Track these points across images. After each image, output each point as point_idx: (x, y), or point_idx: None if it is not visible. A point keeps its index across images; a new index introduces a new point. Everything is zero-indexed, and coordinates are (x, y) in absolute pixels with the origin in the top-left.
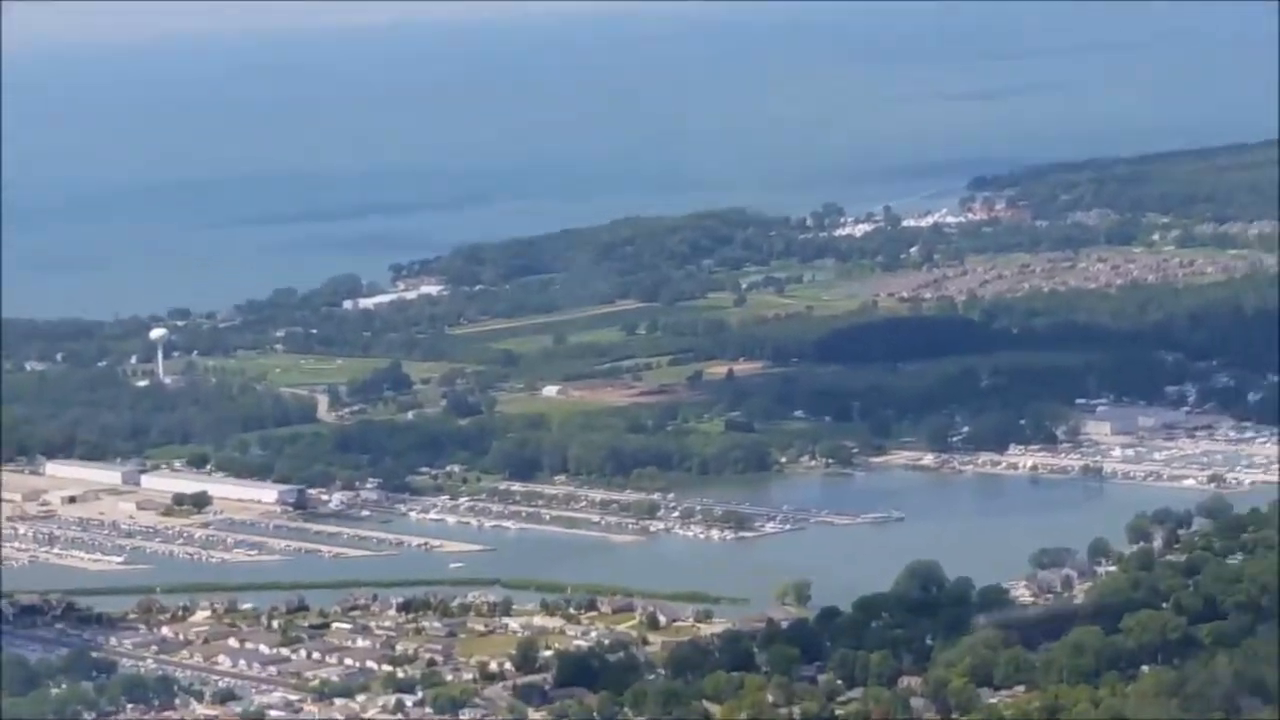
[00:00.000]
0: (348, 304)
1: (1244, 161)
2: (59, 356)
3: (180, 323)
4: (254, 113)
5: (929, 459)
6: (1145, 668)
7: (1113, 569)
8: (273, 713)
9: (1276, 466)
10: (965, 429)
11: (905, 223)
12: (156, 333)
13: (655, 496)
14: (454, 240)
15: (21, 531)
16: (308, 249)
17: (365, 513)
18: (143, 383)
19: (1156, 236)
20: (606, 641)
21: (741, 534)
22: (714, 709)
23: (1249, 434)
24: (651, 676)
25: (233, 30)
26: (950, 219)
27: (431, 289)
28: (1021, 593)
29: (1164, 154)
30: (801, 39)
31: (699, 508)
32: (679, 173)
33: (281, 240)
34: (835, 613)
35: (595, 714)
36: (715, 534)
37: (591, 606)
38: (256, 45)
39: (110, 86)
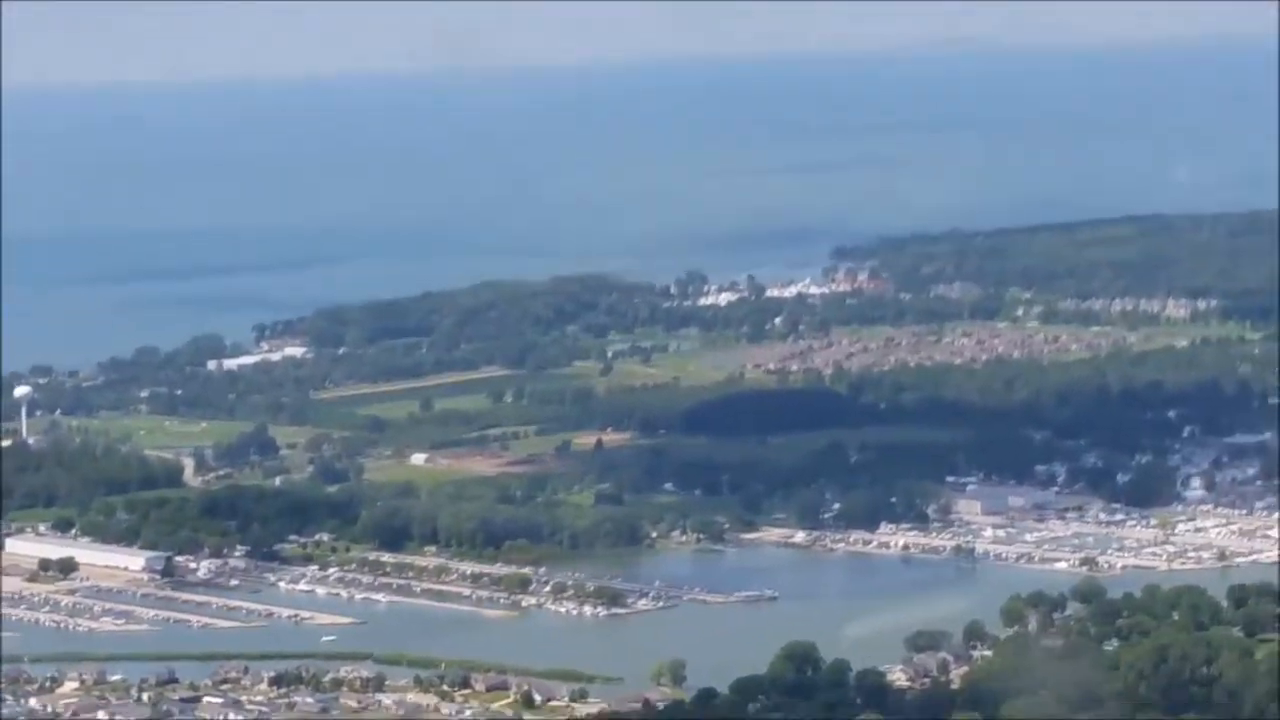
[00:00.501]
0: (211, 364)
1: (1101, 236)
2: None
3: (42, 380)
4: (108, 168)
5: (800, 536)
6: None
7: (988, 653)
8: None
9: (1148, 551)
10: (836, 506)
11: (769, 292)
12: (20, 390)
13: (527, 570)
14: (315, 299)
15: None
16: (168, 307)
17: (234, 582)
18: (5, 442)
19: (1020, 312)
20: None
21: (614, 610)
22: None
23: (1119, 516)
24: None
25: (90, 83)
26: (814, 289)
27: (295, 350)
28: (898, 676)
29: (1022, 228)
30: (638, 101)
31: (571, 583)
32: (534, 237)
33: (141, 298)
34: (712, 694)
35: None
36: (588, 610)
37: (465, 684)
38: (111, 98)
39: None
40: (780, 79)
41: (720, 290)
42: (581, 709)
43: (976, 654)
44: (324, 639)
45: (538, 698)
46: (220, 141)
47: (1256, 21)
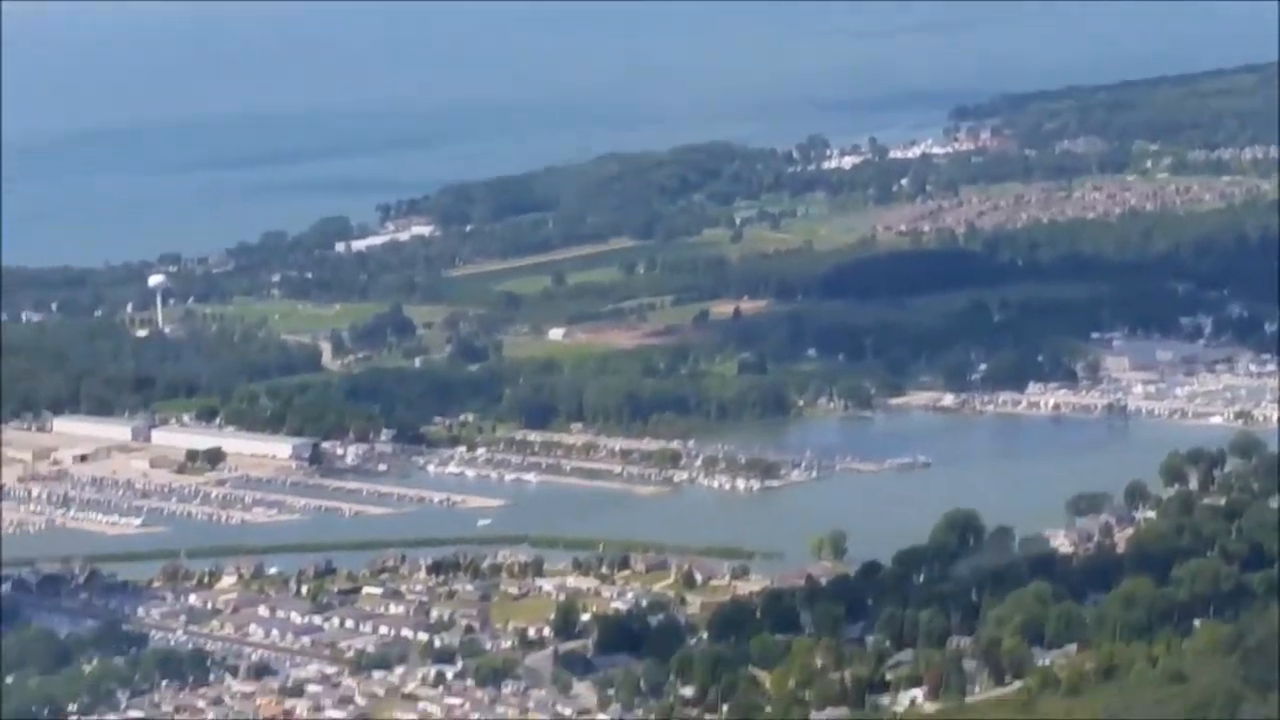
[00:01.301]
0: (340, 246)
1: (1224, 87)
2: (54, 306)
3: (172, 268)
4: (205, 59)
5: (949, 400)
6: (1198, 621)
7: (1151, 514)
8: (311, 687)
9: None
10: (982, 367)
11: (892, 154)
12: (155, 279)
13: (676, 444)
14: (436, 179)
15: (35, 493)
16: (289, 191)
17: (382, 466)
18: (142, 332)
19: (1149, 164)
20: (644, 603)
21: (767, 483)
22: (761, 674)
23: (1270, 367)
24: (693, 640)
25: None
26: (937, 149)
27: (423, 229)
28: (1061, 542)
29: (1144, 81)
30: None
31: (722, 456)
32: (650, 109)
33: (261, 183)
34: (876, 567)
35: (641, 684)
36: (741, 483)
37: (625, 565)
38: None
39: (78, 37)
40: None
41: (843, 154)
42: (743, 587)
43: (1139, 516)
44: (480, 523)
45: (699, 577)
46: (307, 24)
47: None
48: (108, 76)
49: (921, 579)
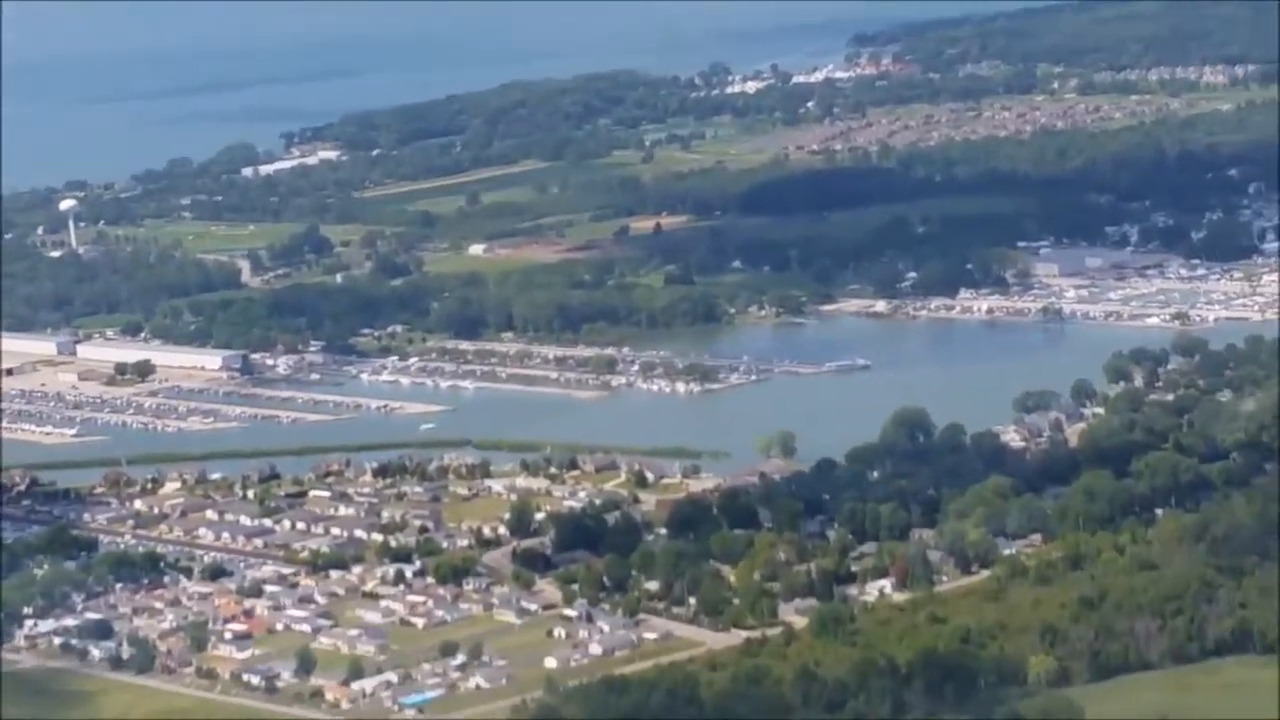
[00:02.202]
0: (247, 171)
1: (1125, 13)
2: None
3: (79, 194)
4: None
5: (881, 306)
6: (1159, 511)
7: (1099, 411)
8: (269, 587)
9: (1238, 303)
10: (911, 275)
11: (796, 79)
12: (66, 203)
13: (611, 351)
14: (336, 108)
15: None
16: (190, 121)
17: (314, 376)
18: (55, 253)
19: (1055, 85)
20: (598, 502)
21: (707, 386)
22: (723, 569)
23: (1200, 271)
24: (651, 536)
25: None
26: (840, 74)
27: (329, 154)
28: (1012, 437)
29: (1043, 7)
30: None
31: (658, 361)
32: (544, 42)
33: (161, 114)
34: (831, 464)
35: (605, 579)
36: (680, 387)
37: (573, 466)
38: None
39: None
40: None
41: (745, 80)
42: (696, 485)
43: (1088, 412)
44: (423, 427)
45: (650, 476)
46: None
47: None
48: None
49: (876, 476)
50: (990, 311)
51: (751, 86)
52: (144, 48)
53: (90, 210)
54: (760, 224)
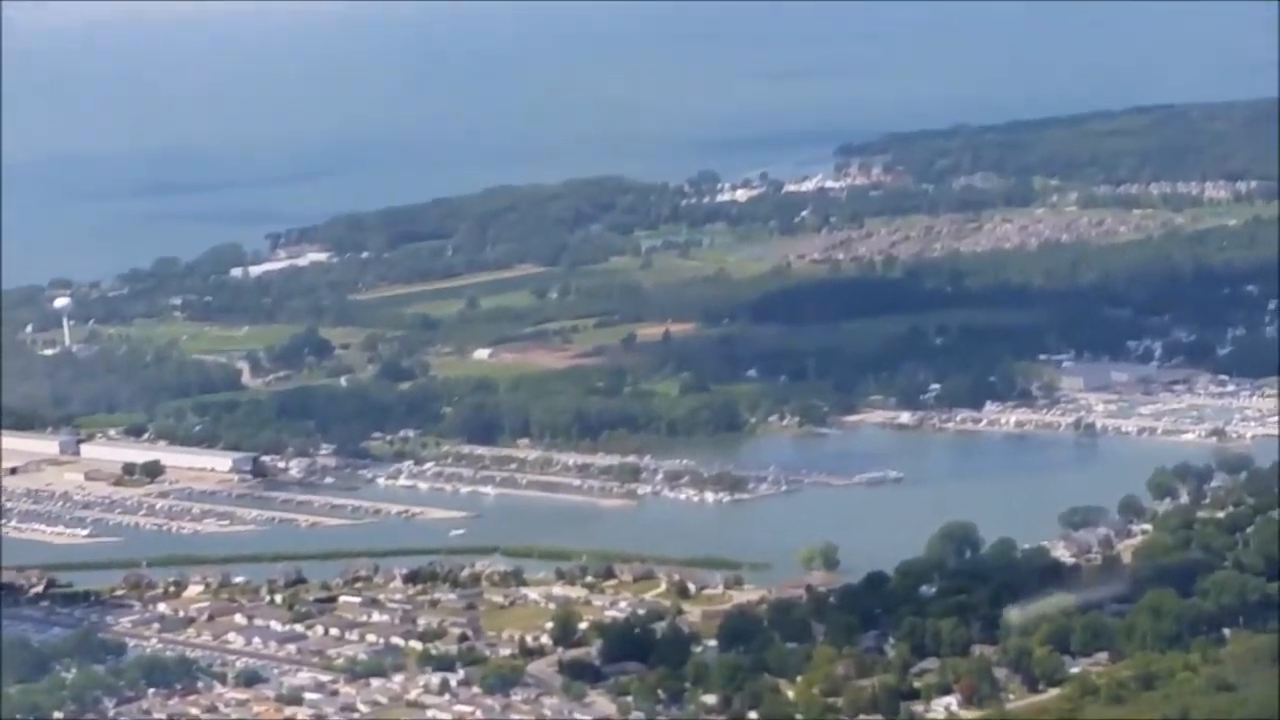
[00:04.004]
0: (236, 272)
1: (1115, 128)
2: None
3: (65, 292)
4: (97, 92)
5: (905, 417)
6: (1226, 630)
7: (1147, 527)
8: (309, 695)
9: (1272, 420)
10: (934, 387)
11: (787, 188)
12: (60, 301)
13: (633, 459)
14: (322, 211)
15: None
16: (174, 221)
17: (328, 479)
18: (49, 351)
19: (1055, 198)
20: (641, 612)
21: (737, 495)
22: (779, 683)
23: (1230, 387)
24: (700, 648)
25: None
26: (831, 184)
27: (319, 256)
28: (1061, 553)
29: (1031, 121)
30: (602, 29)
31: (683, 469)
32: (532, 147)
33: (145, 213)
34: (882, 578)
35: (659, 691)
36: (709, 496)
37: (609, 574)
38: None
39: None
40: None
41: (735, 187)
42: (739, 596)
43: (1135, 528)
44: (453, 533)
45: (691, 586)
46: (186, 69)
47: None
48: None
49: (934, 590)
50: (1019, 425)
51: (742, 195)
52: (119, 148)
53: (79, 308)
54: (771, 332)
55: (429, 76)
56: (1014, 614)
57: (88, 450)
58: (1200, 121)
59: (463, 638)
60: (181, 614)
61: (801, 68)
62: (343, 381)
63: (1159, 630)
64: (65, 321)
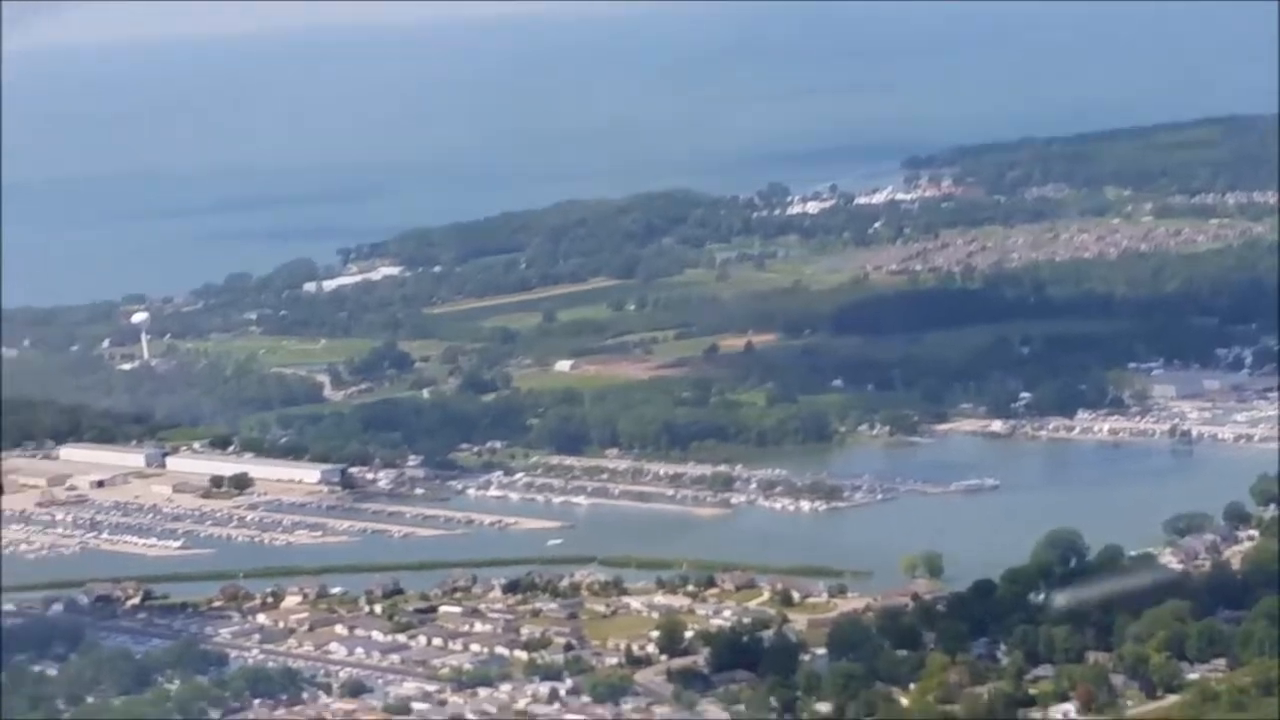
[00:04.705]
0: (309, 286)
1: (1183, 140)
2: (25, 343)
3: (140, 307)
4: (149, 114)
5: (997, 426)
6: None
7: (1253, 534)
8: (416, 705)
9: None
10: (1025, 396)
11: (858, 200)
12: (139, 316)
13: (725, 468)
14: (389, 226)
15: (60, 517)
16: (242, 238)
17: (418, 490)
18: (127, 365)
19: (1129, 209)
20: (747, 620)
21: (832, 504)
22: (892, 690)
23: None
24: (808, 656)
25: (174, 34)
26: (901, 196)
27: (391, 270)
28: (1169, 560)
29: (1099, 133)
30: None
31: (777, 479)
32: (597, 163)
33: (209, 230)
34: (989, 586)
35: (771, 699)
36: (805, 505)
37: (710, 583)
38: (110, 51)
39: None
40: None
41: (805, 200)
42: (844, 605)
43: (1242, 535)
44: (550, 543)
45: (795, 595)
46: (247, 87)
47: None
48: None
49: (1039, 598)
50: (1113, 433)
51: (813, 207)
52: (195, 163)
53: (155, 324)
54: (853, 343)
55: (489, 92)
56: None
57: (174, 463)
58: (1269, 132)
59: (568, 647)
60: (281, 625)
61: (861, 82)
62: (425, 394)
63: (1276, 637)
64: (143, 336)
